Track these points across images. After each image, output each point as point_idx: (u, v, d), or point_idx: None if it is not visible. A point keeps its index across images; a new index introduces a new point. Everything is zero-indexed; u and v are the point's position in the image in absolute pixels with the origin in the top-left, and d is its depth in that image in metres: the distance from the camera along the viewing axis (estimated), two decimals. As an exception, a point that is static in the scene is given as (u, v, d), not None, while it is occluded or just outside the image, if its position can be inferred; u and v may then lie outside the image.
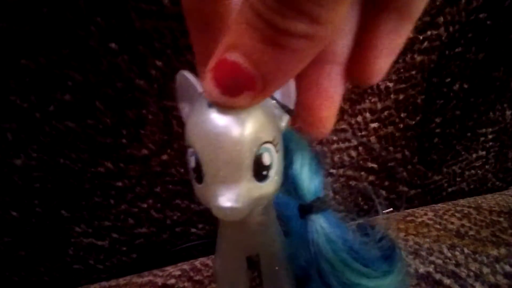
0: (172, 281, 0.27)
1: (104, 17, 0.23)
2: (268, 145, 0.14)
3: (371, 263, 0.15)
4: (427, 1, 0.15)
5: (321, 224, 0.15)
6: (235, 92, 0.12)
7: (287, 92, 0.15)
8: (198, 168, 0.14)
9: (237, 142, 0.13)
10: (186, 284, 0.27)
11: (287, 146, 0.16)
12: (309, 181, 0.16)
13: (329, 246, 0.15)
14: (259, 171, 0.14)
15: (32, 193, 0.27)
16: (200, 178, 0.14)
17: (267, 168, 0.14)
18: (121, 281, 0.29)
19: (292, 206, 0.18)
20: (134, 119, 0.27)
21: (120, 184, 0.29)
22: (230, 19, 0.12)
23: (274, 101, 0.15)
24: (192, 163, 0.14)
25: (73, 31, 0.23)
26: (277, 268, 0.17)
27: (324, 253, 0.15)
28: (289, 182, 0.15)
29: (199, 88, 0.14)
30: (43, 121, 0.25)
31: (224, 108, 0.12)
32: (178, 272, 0.28)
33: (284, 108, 0.15)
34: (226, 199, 0.13)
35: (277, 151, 0.14)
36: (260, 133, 0.13)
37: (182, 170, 0.30)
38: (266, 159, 0.14)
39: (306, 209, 0.16)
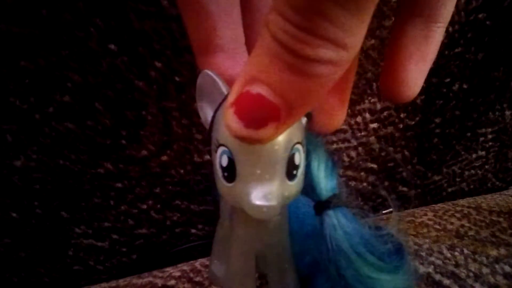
0: (172, 282, 0.27)
1: (103, 19, 0.23)
2: (298, 146, 0.14)
3: (385, 257, 0.16)
4: (454, 4, 0.14)
5: (338, 219, 0.16)
6: (260, 124, 0.11)
7: None
8: (231, 167, 0.14)
9: (275, 142, 0.13)
10: (186, 285, 0.27)
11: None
12: (326, 179, 0.16)
13: (346, 240, 0.16)
14: (291, 170, 0.14)
15: (32, 194, 0.27)
16: (231, 177, 0.14)
17: (297, 167, 0.14)
18: (121, 282, 0.29)
19: (302, 206, 0.18)
20: (133, 120, 0.27)
21: (119, 185, 0.29)
22: (250, 53, 0.12)
23: None
24: (224, 161, 0.14)
25: (72, 33, 0.23)
26: (286, 266, 0.18)
27: (343, 247, 0.15)
28: (306, 181, 0.16)
29: (224, 88, 0.14)
30: (43, 123, 0.25)
31: (249, 143, 0.12)
32: (178, 273, 0.28)
33: None
34: (263, 197, 0.13)
35: (304, 152, 0.15)
36: (292, 135, 0.14)
37: (182, 171, 0.30)
38: (297, 159, 0.14)
39: (324, 206, 0.16)
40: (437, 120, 0.35)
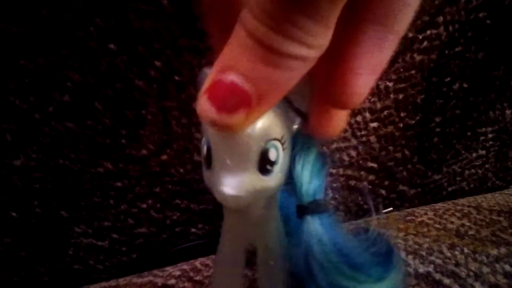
0: (172, 281, 0.27)
1: (103, 18, 0.23)
2: (276, 142, 0.14)
3: (363, 267, 0.16)
4: (413, 12, 0.14)
5: (315, 226, 0.16)
6: (232, 109, 0.12)
7: (301, 96, 0.15)
8: (208, 154, 0.14)
9: (246, 134, 0.14)
10: (186, 284, 0.27)
11: (293, 147, 0.16)
12: (308, 183, 0.16)
13: (320, 248, 0.15)
14: (264, 164, 0.14)
15: (32, 194, 0.27)
16: (209, 164, 0.15)
17: (272, 163, 0.15)
18: (121, 281, 0.29)
19: (292, 206, 0.18)
20: (133, 120, 0.27)
21: (119, 184, 0.29)
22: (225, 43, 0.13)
23: (288, 104, 0.16)
24: (204, 149, 0.15)
25: (72, 32, 0.23)
26: (271, 263, 0.18)
27: (315, 254, 0.15)
28: (291, 182, 0.16)
29: None
30: (43, 122, 0.25)
31: (220, 130, 0.13)
32: (178, 272, 0.28)
33: (297, 111, 0.16)
34: (230, 187, 0.14)
35: (283, 149, 0.15)
36: (269, 130, 0.14)
37: (182, 170, 0.30)
38: (272, 155, 0.14)
39: (303, 210, 0.16)
40: (437, 119, 0.35)
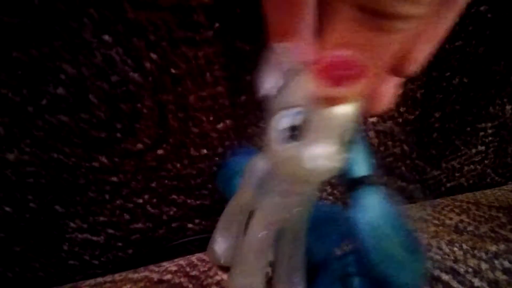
0: (168, 276, 0.27)
1: (97, 9, 0.23)
2: (355, 124, 0.15)
3: (409, 239, 0.17)
4: None
5: (370, 196, 0.17)
6: (352, 83, 0.12)
7: None
8: (297, 129, 0.15)
9: (348, 110, 0.14)
10: (182, 279, 0.27)
11: None
12: (363, 160, 0.18)
13: (375, 216, 0.16)
14: (349, 141, 0.15)
15: (26, 189, 0.27)
16: (295, 137, 0.15)
17: (351, 142, 0.15)
18: (117, 276, 0.29)
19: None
20: (128, 113, 0.26)
21: (115, 179, 0.29)
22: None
23: None
24: (295, 121, 0.15)
25: (66, 23, 0.23)
26: (299, 245, 0.19)
27: (371, 222, 0.16)
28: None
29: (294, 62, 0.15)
30: (36, 115, 0.25)
31: (338, 103, 0.13)
32: (175, 268, 0.28)
33: None
34: (326, 158, 0.14)
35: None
36: (357, 111, 0.15)
37: (178, 165, 0.30)
38: (352, 132, 0.15)
39: (357, 183, 0.17)
40: (437, 115, 0.35)
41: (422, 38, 0.16)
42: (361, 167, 0.18)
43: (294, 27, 0.17)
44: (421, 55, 0.16)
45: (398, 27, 0.11)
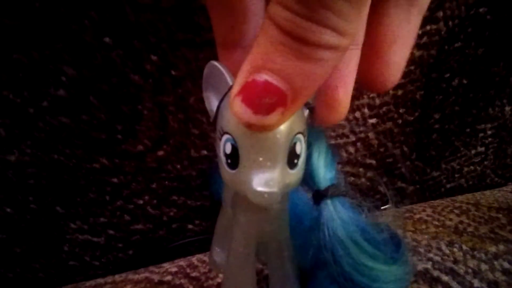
0: (169, 277, 0.27)
1: (98, 11, 0.23)
2: (300, 136, 0.15)
3: (381, 246, 0.16)
4: None
5: (335, 208, 0.16)
6: (268, 110, 0.12)
7: None
8: (235, 154, 0.14)
9: (277, 130, 0.14)
10: (182, 280, 0.27)
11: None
12: (325, 169, 0.17)
13: (342, 228, 0.16)
14: (292, 159, 0.14)
15: (27, 190, 0.27)
16: (235, 164, 0.14)
17: (298, 156, 0.15)
18: (117, 277, 0.29)
19: (300, 201, 0.19)
20: (129, 115, 0.27)
21: (115, 180, 0.29)
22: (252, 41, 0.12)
23: None
24: (227, 149, 0.14)
25: (67, 25, 0.23)
26: (285, 254, 0.18)
27: (339, 234, 0.16)
28: (306, 171, 0.16)
29: (229, 79, 0.15)
30: (37, 117, 0.25)
31: (256, 130, 0.13)
32: (175, 269, 0.28)
33: (306, 104, 0.16)
34: (265, 184, 0.14)
35: (305, 142, 0.15)
36: (294, 124, 0.14)
37: (179, 166, 0.30)
38: (298, 148, 0.15)
39: (322, 195, 0.17)
40: (436, 116, 0.35)
41: (398, 44, 0.15)
42: (323, 179, 0.17)
43: (232, 38, 0.17)
44: (401, 58, 0.16)
45: (321, 56, 0.11)
